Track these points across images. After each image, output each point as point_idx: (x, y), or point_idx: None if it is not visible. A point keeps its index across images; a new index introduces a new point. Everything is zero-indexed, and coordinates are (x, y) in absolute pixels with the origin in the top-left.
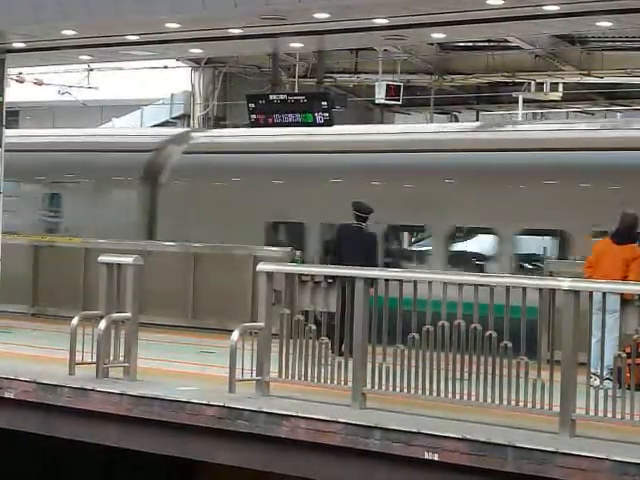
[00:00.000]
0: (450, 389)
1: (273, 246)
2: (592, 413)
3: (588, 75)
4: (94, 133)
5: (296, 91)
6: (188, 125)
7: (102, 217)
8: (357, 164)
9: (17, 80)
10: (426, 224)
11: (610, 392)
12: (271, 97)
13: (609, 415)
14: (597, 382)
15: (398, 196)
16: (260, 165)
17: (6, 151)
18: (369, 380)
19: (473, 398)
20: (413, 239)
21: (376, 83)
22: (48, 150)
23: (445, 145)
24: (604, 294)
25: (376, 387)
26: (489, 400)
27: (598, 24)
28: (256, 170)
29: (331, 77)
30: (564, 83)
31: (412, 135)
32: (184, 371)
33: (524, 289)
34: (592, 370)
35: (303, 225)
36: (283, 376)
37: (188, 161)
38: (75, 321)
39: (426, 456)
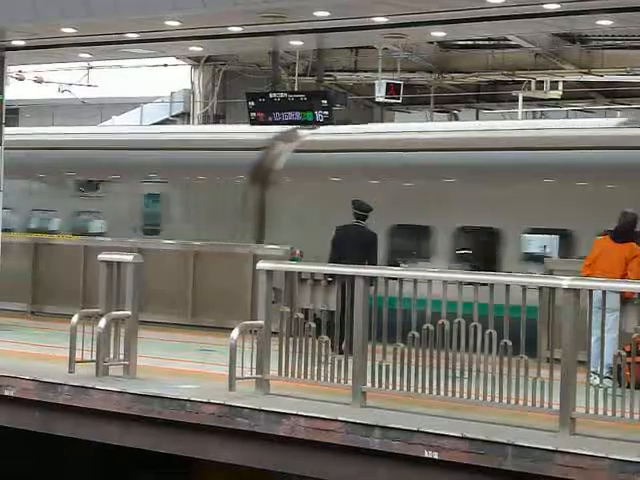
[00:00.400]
0: (450, 387)
1: (396, 252)
2: (592, 411)
3: (588, 73)
4: (197, 130)
5: (296, 89)
6: (187, 123)
7: (205, 219)
8: (503, 161)
9: (17, 78)
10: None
11: (610, 391)
12: (271, 95)
13: (609, 414)
14: (597, 380)
15: (537, 197)
16: (382, 164)
17: (96, 149)
18: (369, 378)
19: (473, 396)
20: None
21: (376, 81)
22: (148, 148)
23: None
24: (604, 292)
25: (376, 385)
26: (489, 398)
27: (598, 22)
28: (376, 170)
29: (331, 75)
30: (564, 82)
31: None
32: (184, 369)
33: (524, 287)
34: (592, 369)
35: (430, 229)
36: (283, 374)
37: (299, 160)
38: (75, 319)
39: (426, 454)
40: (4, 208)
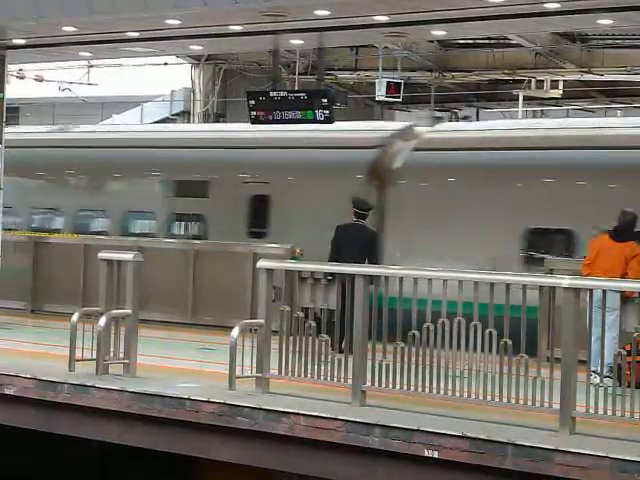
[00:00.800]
0: (450, 386)
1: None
2: (592, 411)
3: (588, 73)
4: (304, 128)
5: (296, 88)
6: (188, 121)
7: (314, 222)
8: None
9: (17, 76)
10: None
11: (610, 390)
12: (271, 94)
13: (609, 413)
14: (597, 380)
15: None
16: (512, 163)
17: (193, 147)
18: (369, 377)
19: (473, 395)
20: None
21: (376, 80)
22: (253, 147)
23: None
24: (604, 291)
25: (376, 384)
26: (489, 398)
27: (598, 22)
28: (510, 169)
29: (331, 74)
30: (564, 81)
31: None
32: (184, 368)
33: (524, 286)
34: (592, 368)
35: (571, 232)
36: (283, 373)
37: (420, 159)
38: (75, 317)
39: (426, 453)
40: (91, 210)
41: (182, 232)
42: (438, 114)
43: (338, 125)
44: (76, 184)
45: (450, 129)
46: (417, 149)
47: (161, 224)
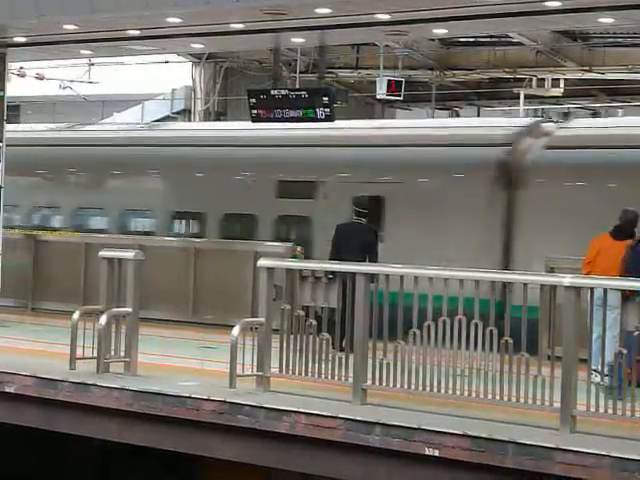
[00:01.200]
0: (451, 385)
1: None
2: (593, 409)
3: (589, 71)
4: (423, 125)
5: (297, 86)
6: (188, 120)
7: (433, 228)
8: None
9: (18, 74)
10: None
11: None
12: (272, 92)
13: (610, 412)
14: (598, 378)
15: None
16: None
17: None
18: (370, 376)
19: (474, 394)
20: None
21: (377, 78)
22: (366, 145)
23: None
24: (605, 290)
25: (377, 383)
26: (490, 396)
27: (600, 20)
28: None
29: (332, 72)
30: (565, 79)
31: None
32: (185, 366)
33: (525, 285)
34: (593, 367)
35: None
36: (284, 371)
37: (554, 159)
38: (76, 316)
39: (427, 452)
40: (143, 210)
41: (287, 236)
42: (568, 108)
43: (460, 121)
44: (173, 184)
45: (583, 126)
46: (550, 147)
47: (265, 226)
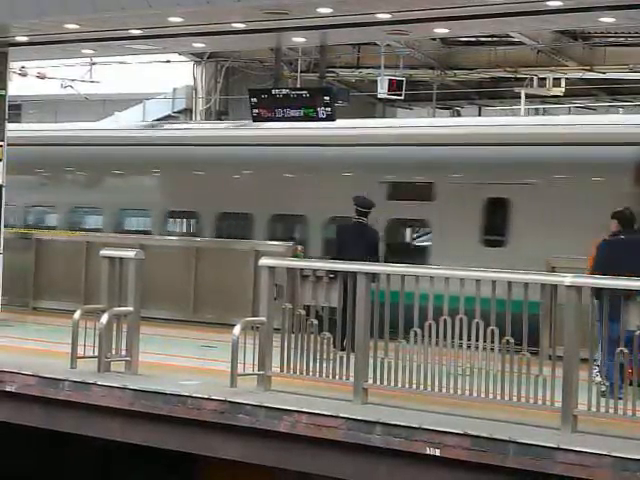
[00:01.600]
0: (452, 384)
1: None
2: (594, 409)
3: (590, 71)
4: (553, 122)
5: (298, 86)
6: (190, 119)
7: (564, 231)
8: None
9: (20, 73)
10: None
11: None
12: (274, 92)
13: (611, 411)
14: (599, 378)
15: None
16: None
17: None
18: (371, 375)
19: (475, 394)
20: None
21: (378, 78)
22: (488, 144)
23: None
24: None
25: (378, 382)
26: (491, 396)
27: (601, 20)
28: None
29: (333, 72)
30: (566, 79)
31: None
32: (186, 365)
33: (526, 284)
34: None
35: None
36: (285, 371)
37: None
38: (77, 315)
39: (428, 451)
40: (183, 211)
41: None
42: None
43: (589, 119)
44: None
45: None
46: None
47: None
